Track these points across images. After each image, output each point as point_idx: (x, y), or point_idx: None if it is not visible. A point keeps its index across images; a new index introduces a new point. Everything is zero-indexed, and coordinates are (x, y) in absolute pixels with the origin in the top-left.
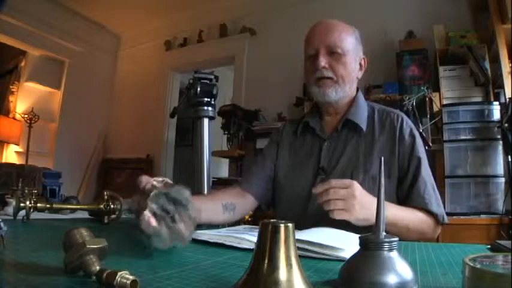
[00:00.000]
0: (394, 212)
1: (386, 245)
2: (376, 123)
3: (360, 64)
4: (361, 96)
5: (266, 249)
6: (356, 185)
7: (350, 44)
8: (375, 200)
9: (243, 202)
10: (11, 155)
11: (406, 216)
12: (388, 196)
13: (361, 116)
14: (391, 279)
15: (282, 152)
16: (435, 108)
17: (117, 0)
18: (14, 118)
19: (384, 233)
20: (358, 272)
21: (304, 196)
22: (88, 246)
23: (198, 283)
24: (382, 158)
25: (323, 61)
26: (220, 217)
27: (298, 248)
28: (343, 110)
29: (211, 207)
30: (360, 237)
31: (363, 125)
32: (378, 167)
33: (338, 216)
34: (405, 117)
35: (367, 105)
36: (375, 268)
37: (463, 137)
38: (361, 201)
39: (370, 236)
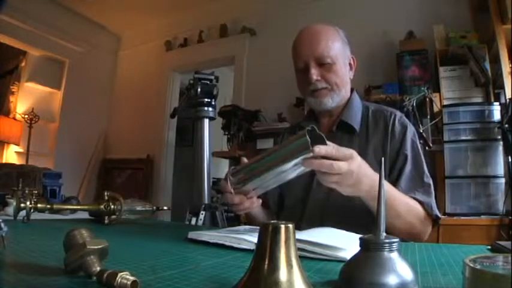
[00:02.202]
0: (387, 189)
1: (386, 246)
2: (370, 123)
3: (350, 64)
4: (355, 96)
5: (266, 250)
6: (356, 159)
7: (338, 49)
8: (372, 173)
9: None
10: (11, 155)
11: (397, 196)
12: None
13: (355, 116)
14: (392, 280)
15: None
16: (435, 109)
17: (118, 1)
18: (14, 118)
19: (384, 234)
20: (358, 273)
21: (301, 199)
22: (89, 247)
23: (198, 284)
24: (383, 159)
25: (315, 74)
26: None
27: (299, 248)
28: (337, 111)
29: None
30: (360, 238)
31: (357, 125)
32: (372, 166)
33: (328, 185)
34: (399, 114)
35: (362, 106)
36: (375, 269)
37: (463, 138)
38: (357, 177)
39: (371, 237)
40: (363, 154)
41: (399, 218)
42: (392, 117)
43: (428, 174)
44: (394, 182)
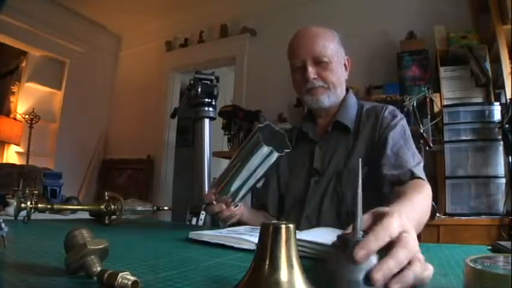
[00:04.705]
0: (412, 209)
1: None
2: (363, 120)
3: (345, 65)
4: (350, 96)
5: (267, 250)
6: (406, 235)
7: (334, 50)
8: (412, 218)
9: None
10: (12, 155)
11: (417, 200)
12: (366, 184)
13: (350, 116)
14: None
15: (282, 162)
16: (436, 109)
17: (118, 1)
18: (14, 118)
19: (361, 233)
20: (336, 270)
21: (299, 199)
22: (89, 247)
23: (199, 284)
24: (360, 161)
25: (312, 72)
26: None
27: (300, 249)
28: (333, 111)
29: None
30: (338, 236)
31: (351, 125)
32: (357, 160)
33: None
34: (390, 108)
35: (357, 105)
36: (353, 267)
37: (463, 138)
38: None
39: (349, 236)
40: (354, 151)
41: (421, 225)
42: (383, 109)
43: (418, 154)
44: (379, 156)
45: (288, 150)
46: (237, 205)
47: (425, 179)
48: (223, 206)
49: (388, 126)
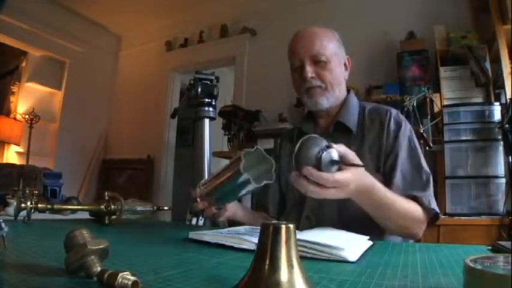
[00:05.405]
0: (383, 195)
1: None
2: (366, 123)
3: (345, 64)
4: (352, 97)
5: (267, 250)
6: (347, 187)
7: (333, 49)
8: (368, 183)
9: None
10: (12, 155)
11: (393, 201)
12: None
13: (351, 117)
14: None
15: (282, 163)
16: (436, 109)
17: (118, 1)
18: (14, 118)
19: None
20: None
21: (299, 199)
22: (89, 247)
23: (199, 284)
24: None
25: (309, 71)
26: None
27: (300, 249)
28: (334, 112)
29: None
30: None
31: (353, 126)
32: (368, 166)
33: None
34: (394, 112)
35: (359, 106)
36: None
37: (463, 138)
38: (349, 194)
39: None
40: (359, 155)
41: (390, 220)
42: (388, 115)
43: (427, 169)
44: (388, 181)
45: (271, 181)
46: (221, 208)
47: (429, 205)
48: (206, 204)
49: (396, 140)
